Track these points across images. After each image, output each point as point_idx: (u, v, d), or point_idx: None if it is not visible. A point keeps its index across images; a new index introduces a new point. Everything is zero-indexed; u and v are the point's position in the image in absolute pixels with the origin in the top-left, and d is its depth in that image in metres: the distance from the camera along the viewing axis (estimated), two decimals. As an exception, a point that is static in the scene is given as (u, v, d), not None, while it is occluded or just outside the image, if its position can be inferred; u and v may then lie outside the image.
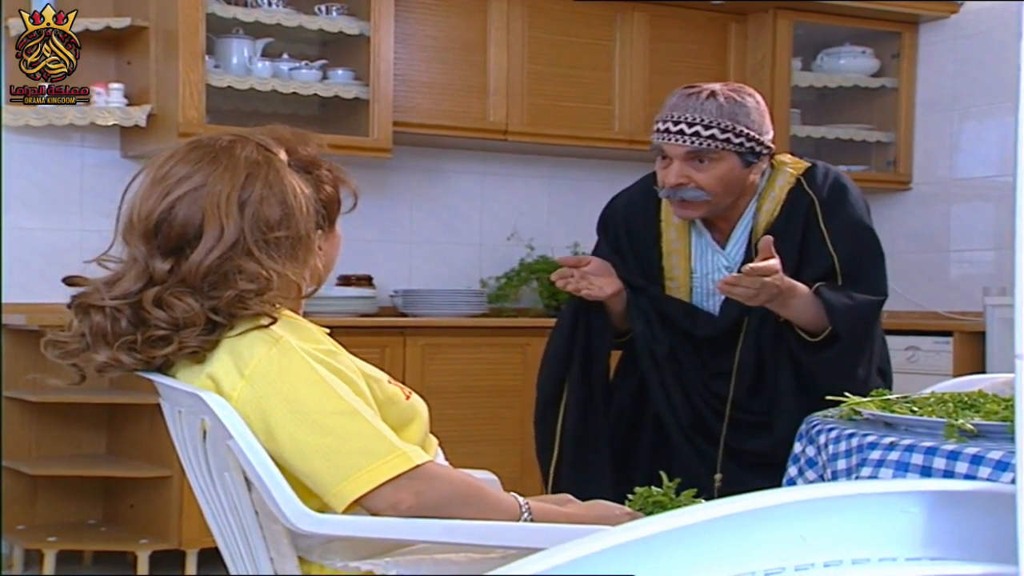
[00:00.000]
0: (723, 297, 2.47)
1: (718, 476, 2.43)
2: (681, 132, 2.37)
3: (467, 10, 4.50)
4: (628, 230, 2.60)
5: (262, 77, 4.15)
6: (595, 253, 2.69)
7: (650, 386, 2.51)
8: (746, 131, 2.39)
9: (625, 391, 2.58)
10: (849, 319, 2.37)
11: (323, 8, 4.28)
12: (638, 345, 2.53)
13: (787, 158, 2.55)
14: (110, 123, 4.00)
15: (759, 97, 2.46)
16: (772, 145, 2.46)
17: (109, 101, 4.00)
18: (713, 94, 2.39)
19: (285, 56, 4.26)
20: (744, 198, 2.48)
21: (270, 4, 4.20)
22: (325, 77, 4.28)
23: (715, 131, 2.36)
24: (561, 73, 4.65)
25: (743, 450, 2.45)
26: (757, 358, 2.47)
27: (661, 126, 2.42)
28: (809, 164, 2.52)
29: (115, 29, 4.02)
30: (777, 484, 1.92)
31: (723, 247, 2.51)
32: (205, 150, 1.61)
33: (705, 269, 2.54)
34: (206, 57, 4.00)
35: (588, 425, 2.53)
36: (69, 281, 1.63)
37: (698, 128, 2.36)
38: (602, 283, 2.48)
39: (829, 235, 2.43)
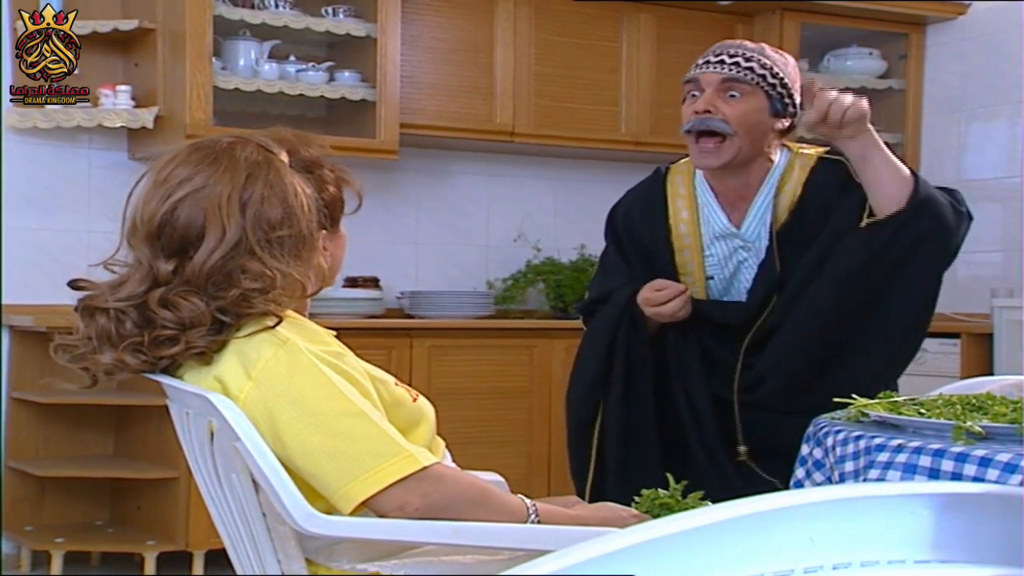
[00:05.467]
0: (745, 282, 2.45)
1: (742, 448, 2.43)
2: (722, 62, 2.41)
3: (474, 12, 4.50)
4: (632, 236, 2.58)
5: (269, 79, 4.15)
6: (602, 259, 2.68)
7: (674, 396, 2.48)
8: (781, 76, 2.42)
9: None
10: (928, 191, 2.34)
11: (330, 10, 4.29)
12: (668, 355, 2.49)
13: (804, 145, 2.56)
14: (117, 125, 4.01)
15: (796, 63, 2.51)
16: (800, 108, 2.46)
17: (116, 103, 4.01)
18: (758, 44, 2.47)
19: (292, 58, 4.27)
20: (760, 166, 2.45)
21: (277, 6, 4.21)
22: (332, 79, 4.29)
23: (754, 64, 2.40)
24: (567, 75, 4.65)
25: (760, 440, 2.42)
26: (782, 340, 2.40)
27: (701, 61, 2.45)
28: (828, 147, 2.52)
29: (122, 31, 4.03)
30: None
31: (738, 227, 2.48)
32: (205, 152, 1.62)
33: (722, 253, 2.50)
34: (213, 59, 4.00)
35: (631, 449, 2.47)
36: (74, 285, 1.63)
37: (738, 59, 2.41)
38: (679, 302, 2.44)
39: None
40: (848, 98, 2.30)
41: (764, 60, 2.41)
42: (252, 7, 4.18)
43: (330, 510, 1.53)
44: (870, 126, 2.32)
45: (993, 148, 4.96)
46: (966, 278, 4.97)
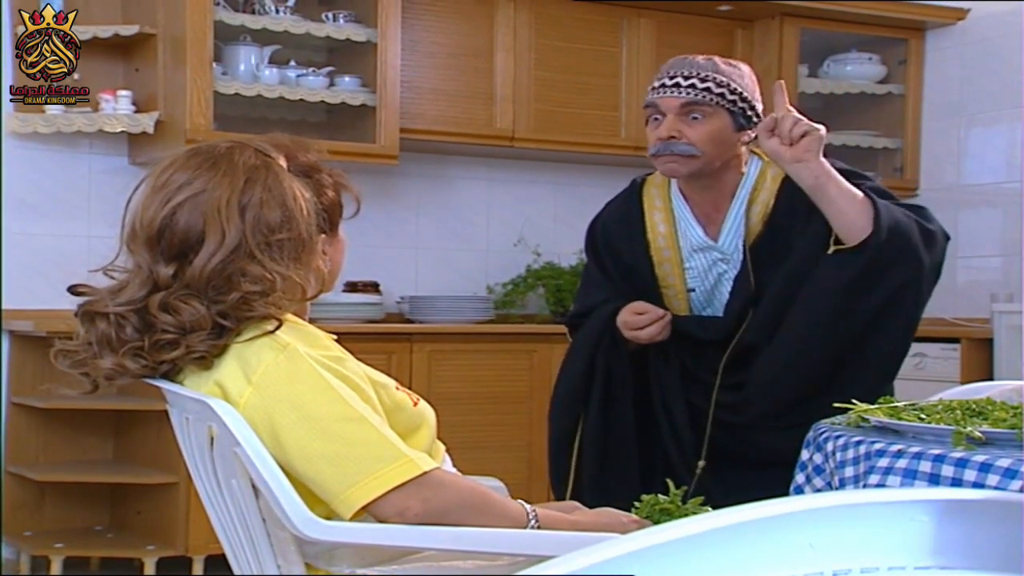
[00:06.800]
0: (726, 294, 2.46)
1: (700, 463, 2.43)
2: (677, 85, 2.39)
3: (474, 17, 4.51)
4: (611, 251, 2.58)
5: (269, 84, 4.16)
6: (584, 272, 2.69)
7: (655, 411, 2.49)
8: (740, 91, 2.40)
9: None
10: (891, 214, 2.28)
11: (330, 15, 4.29)
12: (648, 371, 2.51)
13: None
14: (118, 130, 4.02)
15: (751, 70, 2.48)
16: (763, 117, 2.44)
17: (117, 108, 4.01)
18: (709, 58, 2.44)
19: (292, 63, 4.27)
20: (731, 177, 2.44)
21: (277, 11, 4.21)
22: (332, 84, 4.29)
23: (710, 84, 2.38)
24: (568, 79, 4.66)
25: (738, 454, 2.42)
26: (754, 347, 2.41)
27: (656, 83, 2.44)
28: None
29: (123, 36, 4.03)
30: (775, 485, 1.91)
31: (716, 241, 2.48)
32: (204, 156, 1.62)
33: (702, 266, 2.50)
34: (214, 64, 4.01)
35: (609, 464, 2.48)
36: (74, 290, 1.63)
37: (694, 81, 2.38)
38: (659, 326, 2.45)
39: None
40: (805, 120, 2.26)
41: (719, 77, 2.38)
42: (253, 12, 4.19)
43: (330, 515, 1.53)
44: (823, 159, 2.27)
45: (993, 153, 4.96)
46: (966, 283, 4.97)
